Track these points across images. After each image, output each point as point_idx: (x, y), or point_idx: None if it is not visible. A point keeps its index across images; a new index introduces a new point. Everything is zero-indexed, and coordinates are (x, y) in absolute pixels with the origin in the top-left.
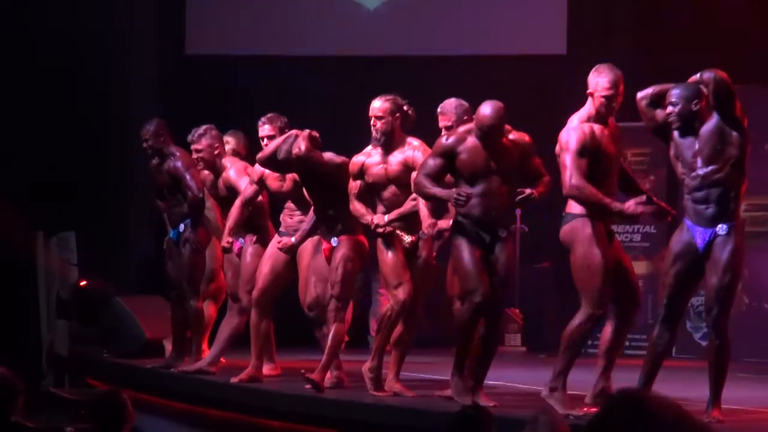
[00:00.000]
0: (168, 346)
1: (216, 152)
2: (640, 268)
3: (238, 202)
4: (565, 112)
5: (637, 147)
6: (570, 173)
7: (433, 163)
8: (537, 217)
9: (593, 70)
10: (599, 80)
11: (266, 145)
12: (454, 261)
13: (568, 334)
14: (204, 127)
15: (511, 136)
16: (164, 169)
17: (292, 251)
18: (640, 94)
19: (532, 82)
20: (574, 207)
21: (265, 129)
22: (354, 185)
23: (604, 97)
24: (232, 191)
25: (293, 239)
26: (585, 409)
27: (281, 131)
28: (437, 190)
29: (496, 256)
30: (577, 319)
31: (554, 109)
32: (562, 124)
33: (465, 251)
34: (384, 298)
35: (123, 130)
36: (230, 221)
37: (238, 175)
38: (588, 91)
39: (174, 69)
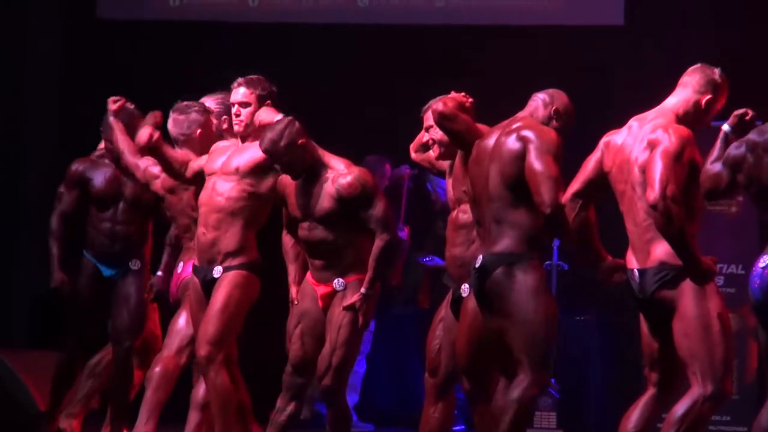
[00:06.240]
0: (66, 426)
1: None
2: None
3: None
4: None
5: None
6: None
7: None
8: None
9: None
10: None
11: (236, 113)
12: (534, 321)
13: (676, 420)
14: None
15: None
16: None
17: None
18: None
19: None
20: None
21: (239, 93)
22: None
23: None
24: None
25: None
26: None
27: (260, 101)
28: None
29: None
30: (688, 399)
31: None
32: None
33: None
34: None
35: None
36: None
37: None
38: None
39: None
